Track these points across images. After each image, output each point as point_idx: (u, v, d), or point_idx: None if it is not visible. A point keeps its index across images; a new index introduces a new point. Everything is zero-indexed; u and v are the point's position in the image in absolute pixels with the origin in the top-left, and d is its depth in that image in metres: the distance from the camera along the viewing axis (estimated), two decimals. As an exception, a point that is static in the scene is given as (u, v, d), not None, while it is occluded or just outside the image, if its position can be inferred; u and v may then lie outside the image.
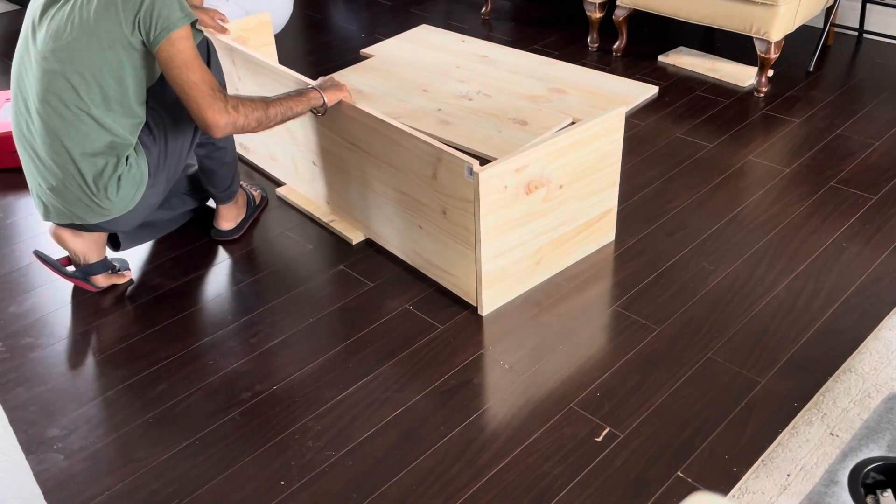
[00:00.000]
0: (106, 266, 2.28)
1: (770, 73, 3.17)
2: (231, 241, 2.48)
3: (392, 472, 1.74)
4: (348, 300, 2.23)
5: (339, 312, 2.19)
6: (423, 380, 1.96)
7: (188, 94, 1.92)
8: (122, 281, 2.32)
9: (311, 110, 2.20)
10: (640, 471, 1.71)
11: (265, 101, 2.05)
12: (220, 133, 1.96)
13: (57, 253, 2.35)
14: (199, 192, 2.50)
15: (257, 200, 2.59)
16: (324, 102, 2.19)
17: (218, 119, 1.93)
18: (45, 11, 1.99)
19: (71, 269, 2.28)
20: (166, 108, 2.10)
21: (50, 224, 2.26)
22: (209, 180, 2.38)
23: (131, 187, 2.07)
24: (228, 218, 2.46)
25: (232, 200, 2.44)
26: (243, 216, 2.51)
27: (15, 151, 2.90)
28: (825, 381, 1.89)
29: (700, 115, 3.06)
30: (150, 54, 1.96)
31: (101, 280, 2.28)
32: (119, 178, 2.04)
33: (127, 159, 2.04)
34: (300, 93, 2.16)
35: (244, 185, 2.60)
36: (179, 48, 1.90)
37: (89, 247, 2.23)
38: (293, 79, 2.35)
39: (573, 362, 1.99)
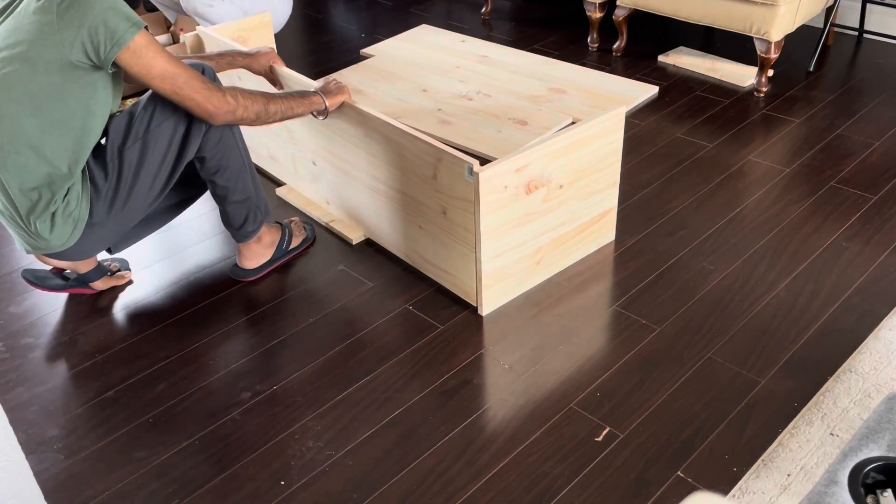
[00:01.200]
0: (101, 271, 2.27)
1: (770, 73, 3.17)
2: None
3: (392, 472, 1.74)
4: (348, 300, 2.23)
5: (339, 312, 2.19)
6: (423, 380, 1.96)
7: (181, 94, 1.88)
8: (121, 282, 2.32)
9: (311, 113, 2.20)
10: (640, 471, 1.71)
11: (266, 96, 2.03)
12: (221, 120, 1.95)
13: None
14: (196, 179, 2.27)
15: (293, 244, 2.39)
16: (325, 107, 2.18)
17: (218, 106, 1.92)
18: None
19: (69, 273, 2.26)
20: (128, 143, 1.99)
21: None
22: (222, 216, 2.25)
23: (66, 226, 1.96)
24: (247, 256, 2.30)
25: (249, 240, 2.28)
26: (266, 259, 2.33)
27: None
28: (825, 381, 1.89)
29: (700, 115, 3.06)
30: (98, 73, 1.86)
31: (100, 284, 2.28)
32: (53, 214, 1.93)
33: (65, 196, 1.93)
34: (303, 95, 2.14)
35: (291, 223, 2.44)
36: (148, 58, 1.82)
37: (74, 262, 2.20)
38: (293, 79, 2.35)
39: (573, 362, 1.99)
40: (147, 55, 1.82)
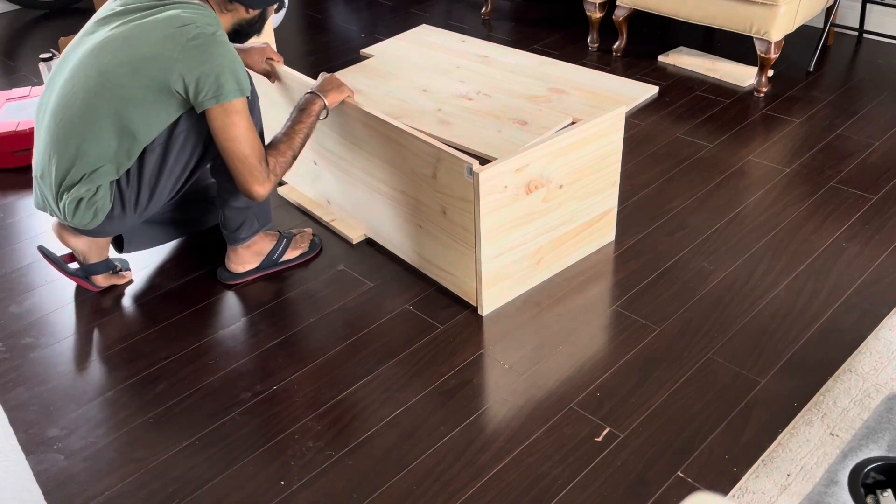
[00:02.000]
0: (108, 266, 2.28)
1: (770, 73, 3.17)
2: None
3: (392, 472, 1.74)
4: (348, 300, 2.23)
5: (339, 312, 2.19)
6: (423, 380, 1.96)
7: (236, 165, 1.96)
8: (121, 281, 2.32)
9: None
10: (640, 471, 1.71)
11: (289, 142, 2.05)
12: (261, 199, 2.02)
13: (60, 250, 2.35)
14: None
15: (285, 256, 2.35)
16: (325, 107, 2.16)
17: (260, 191, 2.00)
18: (105, 20, 1.99)
19: (74, 265, 2.28)
20: (151, 145, 2.01)
21: (54, 221, 2.25)
22: (219, 216, 2.26)
23: (88, 213, 2.02)
24: (234, 260, 2.30)
25: (238, 245, 2.27)
26: (252, 266, 2.31)
27: (15, 151, 2.90)
28: (825, 381, 1.89)
29: (700, 115, 3.06)
30: (184, 106, 1.95)
31: (102, 280, 2.28)
32: (79, 201, 2.00)
33: (97, 189, 2.00)
34: (303, 110, 2.12)
35: (297, 235, 2.40)
36: (234, 121, 1.91)
37: (90, 247, 2.22)
38: (294, 78, 2.35)
39: (573, 362, 1.99)
40: (233, 118, 1.91)
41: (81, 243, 2.21)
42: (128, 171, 2.02)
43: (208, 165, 2.22)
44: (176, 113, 1.96)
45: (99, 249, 2.24)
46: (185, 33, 1.88)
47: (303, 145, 2.09)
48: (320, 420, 1.87)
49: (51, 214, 2.12)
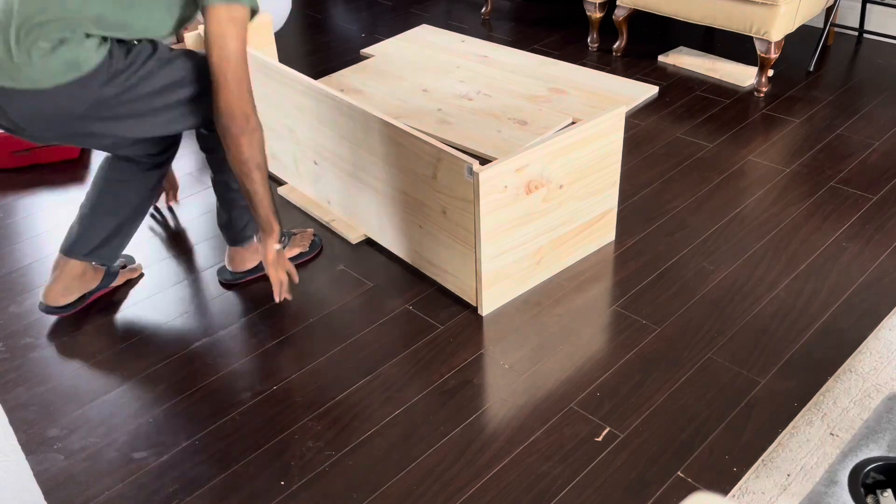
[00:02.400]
0: (112, 275, 2.28)
1: (770, 73, 3.17)
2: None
3: (392, 472, 1.74)
4: (348, 300, 2.23)
5: (339, 312, 2.19)
6: (423, 380, 1.96)
7: (224, 77, 1.73)
8: (134, 275, 2.33)
9: (261, 229, 1.98)
10: (640, 471, 1.71)
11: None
12: (233, 128, 1.77)
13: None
14: (160, 147, 2.10)
15: (288, 255, 2.28)
16: (269, 231, 1.96)
17: (244, 115, 1.76)
18: None
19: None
20: (157, 54, 1.83)
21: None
22: (220, 218, 2.21)
23: (67, 55, 1.70)
24: (235, 259, 2.27)
25: (242, 244, 2.25)
26: (253, 265, 2.28)
27: (15, 151, 2.90)
28: (825, 381, 1.89)
29: (700, 115, 3.06)
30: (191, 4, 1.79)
31: (116, 282, 2.29)
32: (59, 41, 1.69)
33: (86, 36, 1.71)
34: (275, 212, 1.97)
35: (297, 234, 2.38)
36: (234, 32, 1.72)
37: (69, 286, 2.15)
38: (294, 78, 2.35)
39: (573, 362, 1.99)
40: (231, 30, 1.72)
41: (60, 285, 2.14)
42: (128, 50, 1.79)
43: (212, 170, 2.18)
44: (178, 6, 1.79)
45: (82, 284, 2.17)
46: None
47: (261, 182, 1.88)
48: (320, 420, 1.87)
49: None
